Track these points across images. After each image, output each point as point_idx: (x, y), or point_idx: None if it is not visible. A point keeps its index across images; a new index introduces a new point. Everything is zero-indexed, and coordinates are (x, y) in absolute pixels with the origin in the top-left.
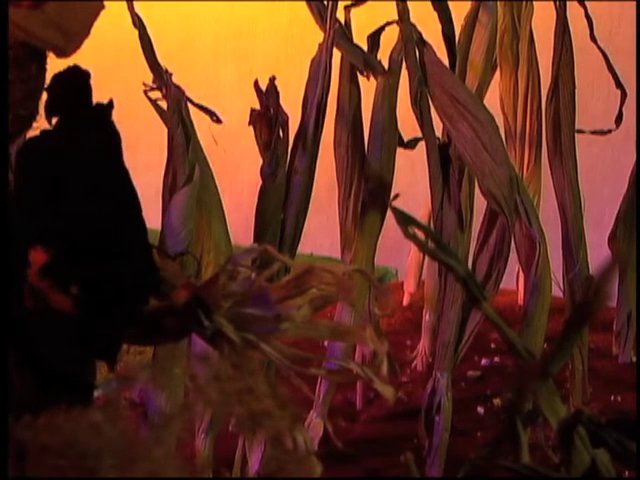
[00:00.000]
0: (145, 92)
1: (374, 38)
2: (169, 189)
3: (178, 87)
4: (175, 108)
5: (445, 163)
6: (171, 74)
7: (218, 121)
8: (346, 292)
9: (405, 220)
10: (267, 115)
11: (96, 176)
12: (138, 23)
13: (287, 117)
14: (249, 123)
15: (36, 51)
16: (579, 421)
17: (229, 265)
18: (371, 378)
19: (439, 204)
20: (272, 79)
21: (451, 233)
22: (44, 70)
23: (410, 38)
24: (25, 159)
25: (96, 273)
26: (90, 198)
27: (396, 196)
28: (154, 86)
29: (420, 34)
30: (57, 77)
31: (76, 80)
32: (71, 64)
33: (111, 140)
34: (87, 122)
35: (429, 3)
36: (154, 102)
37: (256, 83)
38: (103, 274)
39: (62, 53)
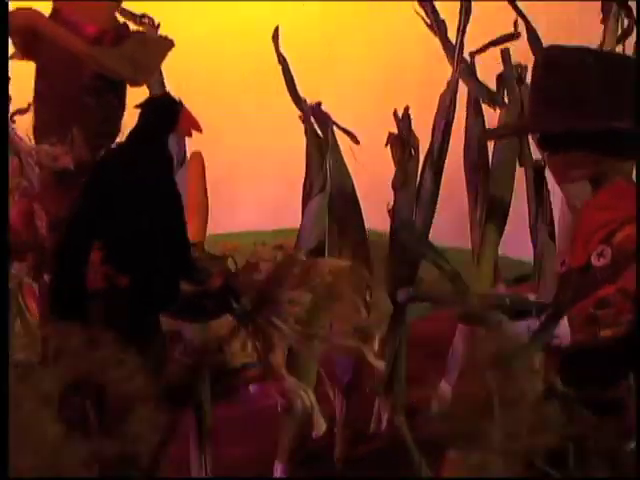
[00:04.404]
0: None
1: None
2: (307, 196)
3: (325, 114)
4: (314, 131)
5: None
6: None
7: (356, 142)
8: (343, 285)
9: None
10: (401, 138)
11: (147, 193)
12: (282, 61)
13: (418, 140)
14: (386, 144)
15: (113, 83)
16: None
17: (253, 259)
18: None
19: None
20: (406, 109)
21: None
22: (122, 97)
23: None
24: (93, 173)
25: (143, 265)
26: (141, 212)
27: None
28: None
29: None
30: (150, 101)
31: (165, 108)
32: None
33: (164, 161)
34: (146, 141)
35: None
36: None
37: (395, 112)
38: (149, 267)
39: (134, 83)
